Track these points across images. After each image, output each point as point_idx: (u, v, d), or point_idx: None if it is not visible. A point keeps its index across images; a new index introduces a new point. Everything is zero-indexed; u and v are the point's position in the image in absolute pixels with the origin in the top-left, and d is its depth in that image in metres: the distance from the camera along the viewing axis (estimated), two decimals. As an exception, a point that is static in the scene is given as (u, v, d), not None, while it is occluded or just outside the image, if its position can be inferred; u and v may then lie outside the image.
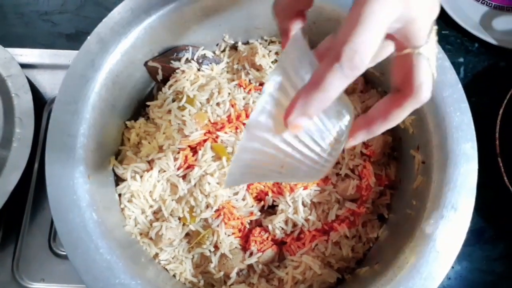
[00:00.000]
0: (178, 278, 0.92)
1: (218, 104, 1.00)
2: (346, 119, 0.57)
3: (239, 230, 0.94)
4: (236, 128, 0.99)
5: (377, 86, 1.02)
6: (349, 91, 1.03)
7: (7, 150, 1.06)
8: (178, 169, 0.95)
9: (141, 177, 0.93)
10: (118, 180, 0.96)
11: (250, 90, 1.02)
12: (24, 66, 1.15)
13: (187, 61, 1.04)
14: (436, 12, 0.52)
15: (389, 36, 0.52)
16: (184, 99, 0.99)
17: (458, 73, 0.87)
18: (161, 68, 1.01)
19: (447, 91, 0.85)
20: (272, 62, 1.06)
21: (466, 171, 0.80)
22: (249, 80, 1.04)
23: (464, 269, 1.09)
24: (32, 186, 1.12)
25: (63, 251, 1.05)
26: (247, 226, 0.94)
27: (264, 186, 0.95)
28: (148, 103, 1.01)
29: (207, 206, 0.93)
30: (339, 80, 0.48)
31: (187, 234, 0.94)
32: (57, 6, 1.32)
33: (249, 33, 1.07)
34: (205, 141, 0.97)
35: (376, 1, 0.46)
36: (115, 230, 0.85)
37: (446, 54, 0.88)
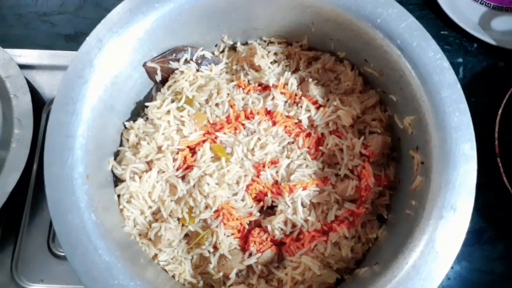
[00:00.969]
0: (177, 279, 0.92)
1: (217, 104, 1.01)
2: None
3: (238, 231, 0.94)
4: (235, 128, 0.99)
5: (376, 86, 1.02)
6: (348, 91, 1.03)
7: (5, 151, 1.06)
8: (177, 169, 0.96)
9: (140, 177, 0.93)
10: (117, 180, 0.96)
11: (249, 90, 1.02)
12: (23, 67, 1.15)
13: (186, 61, 1.04)
14: None
15: None
16: (183, 100, 0.99)
17: (457, 73, 0.87)
18: (160, 69, 1.01)
19: (446, 92, 0.85)
20: (271, 62, 1.06)
21: (465, 172, 0.80)
22: (248, 81, 1.04)
23: (464, 269, 1.09)
24: (31, 187, 1.12)
25: (62, 252, 1.05)
26: (246, 226, 0.94)
27: (263, 187, 0.95)
28: (147, 103, 1.01)
29: (206, 206, 0.93)
30: None
31: (186, 235, 0.94)
32: (56, 7, 1.32)
33: (248, 34, 1.07)
34: (204, 141, 0.98)
35: None
36: (114, 231, 0.85)
37: (445, 54, 0.88)
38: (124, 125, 0.99)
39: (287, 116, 1.00)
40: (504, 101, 1.10)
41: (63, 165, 0.82)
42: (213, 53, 1.09)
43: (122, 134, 0.99)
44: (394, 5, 0.91)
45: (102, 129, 0.90)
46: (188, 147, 0.97)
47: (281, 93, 1.01)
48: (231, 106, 1.00)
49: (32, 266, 1.06)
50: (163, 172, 0.95)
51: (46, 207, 0.80)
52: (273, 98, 1.00)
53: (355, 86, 1.03)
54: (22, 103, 1.10)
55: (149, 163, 0.96)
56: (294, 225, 0.93)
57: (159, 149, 0.96)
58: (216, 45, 1.09)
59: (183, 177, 0.96)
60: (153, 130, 0.97)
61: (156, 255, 0.92)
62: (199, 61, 1.05)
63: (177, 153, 0.96)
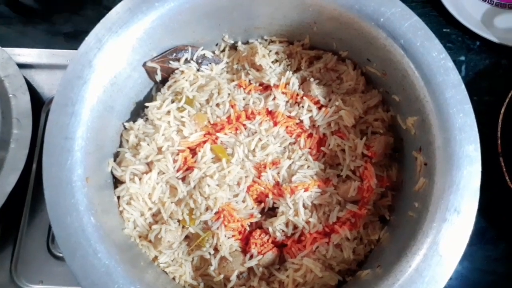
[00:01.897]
0: (178, 281, 0.92)
1: (217, 105, 1.00)
2: None
3: (239, 233, 0.93)
4: (236, 129, 0.98)
5: (379, 86, 1.01)
6: (350, 91, 1.02)
7: (4, 151, 1.05)
8: (178, 171, 0.95)
9: (140, 179, 0.93)
10: (117, 182, 0.95)
11: (250, 90, 1.01)
12: (21, 66, 1.14)
13: (186, 61, 1.03)
14: None
15: None
16: (184, 100, 0.98)
17: (459, 71, 0.87)
18: (160, 69, 1.00)
19: (450, 92, 0.84)
20: (272, 62, 1.05)
21: (469, 174, 0.79)
22: (249, 81, 1.03)
23: (466, 269, 1.08)
24: (30, 187, 1.11)
25: (62, 253, 1.05)
26: (247, 228, 0.94)
27: (265, 188, 0.94)
28: (146, 104, 1.00)
29: (207, 208, 0.92)
30: None
31: (186, 237, 0.94)
32: (55, 5, 1.31)
33: (249, 33, 1.06)
34: (204, 142, 0.97)
35: None
36: (113, 234, 0.84)
37: (447, 52, 0.87)
38: (124, 126, 0.98)
39: (289, 117, 0.99)
40: (507, 100, 1.09)
41: (62, 167, 0.81)
42: (213, 52, 1.08)
43: (121, 135, 0.98)
44: (398, 4, 0.90)
45: (101, 130, 0.89)
46: (188, 148, 0.96)
47: (283, 93, 1.00)
48: (232, 106, 0.99)
49: (32, 267, 1.05)
50: (163, 173, 0.94)
51: (46, 208, 0.80)
52: (274, 98, 0.99)
53: (357, 86, 1.02)
54: (21, 103, 1.09)
55: (149, 164, 0.95)
56: (295, 227, 0.93)
57: (159, 150, 0.95)
58: (216, 45, 1.08)
59: (183, 179, 0.95)
60: (153, 130, 0.96)
61: (156, 257, 0.92)
62: (200, 61, 1.04)
63: (178, 154, 0.95)
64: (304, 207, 0.93)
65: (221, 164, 0.94)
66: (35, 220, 1.09)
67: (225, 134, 0.97)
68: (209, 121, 0.98)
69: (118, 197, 0.93)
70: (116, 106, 0.94)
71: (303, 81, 1.03)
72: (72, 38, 1.27)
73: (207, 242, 0.91)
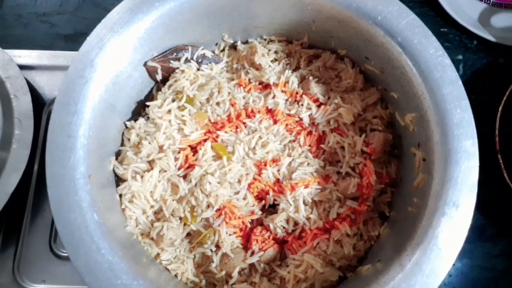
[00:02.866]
0: (180, 278, 0.92)
1: (218, 103, 1.00)
2: None
3: (241, 230, 0.94)
4: (236, 127, 0.98)
5: (377, 84, 1.02)
6: (349, 89, 1.03)
7: (6, 151, 1.05)
8: (179, 169, 0.95)
9: (141, 177, 0.93)
10: (119, 180, 0.96)
11: (250, 89, 1.02)
12: (22, 67, 1.15)
13: (187, 60, 1.04)
14: None
15: None
16: (184, 99, 0.99)
17: (457, 70, 0.87)
18: (161, 68, 1.01)
19: (447, 89, 0.85)
20: (271, 61, 1.06)
21: (467, 168, 0.80)
22: (249, 79, 1.04)
23: (465, 266, 1.09)
24: (32, 188, 1.11)
25: (64, 252, 1.05)
26: (248, 225, 0.94)
27: (265, 185, 0.95)
28: (148, 103, 1.00)
29: (208, 205, 0.93)
30: None
31: (188, 234, 0.94)
32: (55, 7, 1.32)
33: (249, 32, 1.07)
34: (205, 140, 0.97)
35: None
36: (116, 231, 0.85)
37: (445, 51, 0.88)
38: (125, 125, 0.99)
39: (288, 115, 1.00)
40: (505, 98, 1.10)
41: (65, 165, 0.82)
42: (213, 52, 1.09)
43: (123, 133, 0.99)
44: (395, 2, 0.91)
45: (103, 129, 0.90)
46: (189, 146, 0.97)
47: (282, 91, 1.01)
48: (232, 105, 1.00)
49: (34, 267, 1.06)
50: (165, 171, 0.95)
51: (48, 208, 0.81)
52: (274, 97, 1.00)
53: (356, 83, 1.03)
54: (22, 104, 1.10)
55: (151, 163, 0.96)
56: (296, 223, 0.93)
57: (161, 149, 0.96)
58: (216, 44, 1.09)
59: (184, 176, 0.96)
60: (154, 129, 0.97)
61: (158, 254, 0.92)
62: (200, 60, 1.05)
63: (179, 152, 0.96)
64: (305, 203, 0.93)
65: (222, 162, 0.95)
66: (37, 220, 1.09)
67: (226, 132, 0.98)
68: (209, 120, 0.99)
69: (120, 195, 0.94)
70: (117, 105, 0.95)
71: (302, 80, 1.04)
72: (72, 40, 1.28)
73: (209, 239, 0.92)
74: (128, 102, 1.00)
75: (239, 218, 0.93)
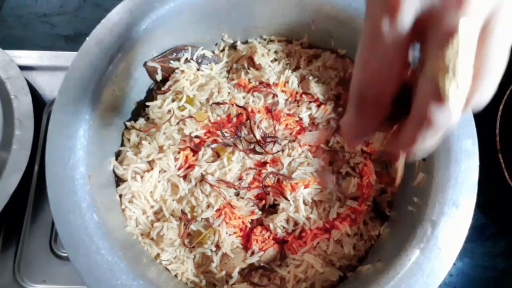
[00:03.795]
0: (180, 278, 0.92)
1: (218, 103, 1.00)
2: None
3: (241, 230, 0.94)
4: (236, 127, 0.98)
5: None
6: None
7: (7, 152, 1.06)
8: (179, 169, 0.95)
9: (141, 177, 0.93)
10: (119, 180, 0.96)
11: (250, 89, 1.02)
12: (23, 68, 1.15)
13: (187, 61, 1.04)
14: None
15: None
16: (184, 99, 0.99)
17: (457, 70, 0.87)
18: (161, 68, 1.01)
19: (447, 88, 0.84)
20: (271, 61, 1.06)
21: (467, 168, 0.80)
22: (249, 79, 1.03)
23: (466, 266, 1.09)
24: (33, 188, 1.12)
25: (64, 253, 1.05)
26: (248, 225, 0.94)
27: (265, 185, 0.94)
28: (147, 103, 1.01)
29: (208, 205, 0.93)
30: None
31: (188, 234, 0.94)
32: (55, 8, 1.32)
33: (248, 33, 1.07)
34: (205, 140, 0.97)
35: None
36: (116, 231, 0.85)
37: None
38: (125, 125, 0.99)
39: (288, 114, 1.00)
40: (505, 97, 1.10)
41: (64, 165, 0.82)
42: (213, 52, 1.09)
43: (123, 134, 0.99)
44: (394, 2, 0.91)
45: (103, 130, 0.90)
46: (189, 146, 0.97)
47: (282, 91, 1.01)
48: (232, 105, 1.00)
49: (34, 267, 1.06)
50: (165, 171, 0.95)
51: (48, 208, 0.80)
52: (273, 96, 1.00)
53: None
54: (23, 104, 1.10)
55: (151, 163, 0.96)
56: (296, 223, 0.93)
57: (161, 149, 0.96)
58: (216, 44, 1.09)
59: (184, 176, 0.95)
60: (154, 129, 0.97)
61: (158, 254, 0.92)
62: (200, 60, 1.05)
63: (179, 153, 0.96)
64: (305, 203, 0.93)
65: (222, 162, 0.94)
66: (37, 221, 1.09)
67: (226, 132, 0.98)
68: (209, 120, 0.99)
69: (120, 195, 0.94)
70: (117, 106, 0.95)
71: (302, 79, 1.04)
72: (73, 40, 1.28)
73: (209, 239, 0.92)
74: (128, 102, 1.00)
75: (239, 218, 0.93)
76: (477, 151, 0.81)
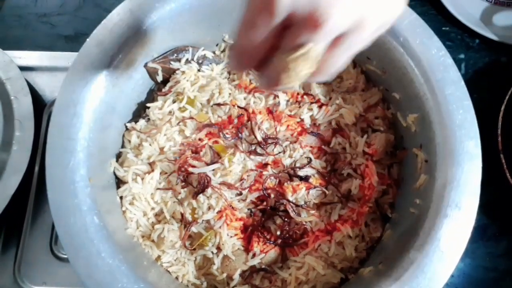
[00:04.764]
0: (181, 280, 0.92)
1: (218, 104, 1.00)
2: None
3: (242, 231, 0.93)
4: (237, 128, 0.98)
5: (378, 84, 1.01)
6: (351, 89, 1.03)
7: (7, 153, 1.05)
8: (179, 171, 0.95)
9: (142, 179, 0.93)
10: (119, 182, 0.95)
11: (250, 90, 1.01)
12: (23, 68, 1.15)
13: (187, 61, 1.03)
14: None
15: None
16: (185, 100, 0.98)
17: (459, 69, 0.87)
18: (161, 69, 1.01)
19: (449, 89, 0.84)
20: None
21: (470, 170, 0.80)
22: (250, 80, 1.03)
23: (468, 266, 1.08)
24: (33, 189, 1.11)
25: (65, 254, 1.05)
26: (250, 227, 0.93)
27: (266, 187, 0.94)
28: (148, 104, 1.00)
29: (209, 207, 0.92)
30: None
31: (189, 236, 0.94)
32: (55, 8, 1.32)
33: (249, 33, 1.07)
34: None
35: None
36: (116, 234, 0.85)
37: (446, 50, 0.87)
38: (126, 127, 0.99)
39: (289, 115, 1.00)
40: (507, 97, 1.09)
41: (64, 168, 0.82)
42: (214, 52, 1.08)
43: (123, 135, 0.99)
44: (396, 2, 0.90)
45: (103, 131, 0.90)
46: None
47: (283, 92, 1.00)
48: (233, 106, 0.99)
49: (35, 269, 1.05)
50: (166, 173, 0.94)
51: (48, 209, 0.80)
52: (275, 97, 1.00)
53: (358, 84, 1.03)
54: (23, 105, 1.09)
55: (151, 165, 0.95)
56: (297, 225, 0.93)
57: (161, 150, 0.96)
58: (217, 45, 1.08)
59: (185, 179, 0.95)
60: (155, 131, 0.97)
61: (159, 256, 0.92)
62: (200, 61, 1.04)
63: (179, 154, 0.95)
64: (306, 205, 0.93)
65: (223, 163, 0.94)
66: (38, 222, 1.09)
67: (227, 133, 0.97)
68: (210, 121, 0.98)
69: (121, 197, 0.94)
70: (117, 107, 0.94)
71: (304, 80, 1.03)
72: (73, 40, 1.27)
73: (210, 241, 0.91)
74: (128, 103, 0.99)
75: (240, 220, 0.92)
76: (480, 152, 0.81)
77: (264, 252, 0.91)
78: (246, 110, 0.98)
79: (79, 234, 0.78)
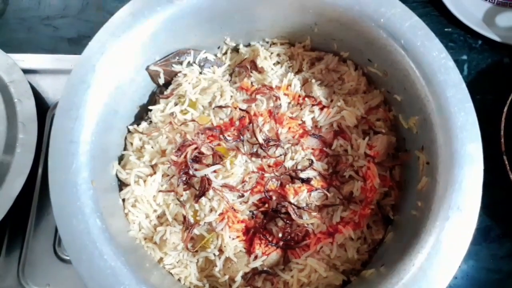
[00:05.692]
0: (183, 282, 0.92)
1: (220, 107, 1.00)
2: None
3: (244, 234, 0.93)
4: (239, 130, 0.98)
5: (380, 86, 1.01)
6: (352, 91, 1.03)
7: (10, 155, 1.06)
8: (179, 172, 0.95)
9: (144, 181, 0.93)
10: (122, 185, 0.96)
11: (252, 92, 1.02)
12: (26, 71, 1.15)
13: (189, 64, 1.04)
14: None
15: None
16: (187, 103, 0.98)
17: (461, 70, 0.87)
18: (163, 72, 1.01)
19: (451, 91, 0.84)
20: (274, 64, 1.06)
21: (471, 172, 0.80)
22: (251, 83, 1.03)
23: (471, 268, 1.08)
24: (37, 191, 1.12)
25: (68, 256, 1.05)
26: (252, 229, 0.94)
27: (268, 189, 0.94)
28: (150, 107, 1.00)
29: (211, 209, 0.92)
30: None
31: (191, 238, 0.94)
32: (58, 11, 1.32)
33: (251, 35, 1.07)
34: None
35: None
36: (119, 236, 0.85)
37: (449, 52, 0.87)
38: (128, 129, 0.99)
39: (291, 118, 1.00)
40: (510, 98, 1.09)
41: (67, 171, 0.82)
42: (215, 55, 1.08)
43: (126, 138, 0.99)
44: (397, 4, 0.91)
45: (106, 134, 0.90)
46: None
47: (285, 94, 1.01)
48: (235, 108, 1.00)
49: (39, 270, 1.06)
50: (168, 175, 0.95)
51: (52, 211, 0.80)
52: (276, 100, 1.00)
53: (359, 86, 1.03)
54: (26, 108, 1.10)
55: (154, 167, 0.96)
56: (299, 227, 0.93)
57: (163, 153, 0.96)
58: (218, 47, 1.08)
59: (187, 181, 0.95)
60: (157, 133, 0.97)
61: (161, 258, 0.92)
62: (202, 64, 1.05)
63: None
64: (308, 207, 0.93)
65: (225, 166, 0.94)
66: (41, 224, 1.09)
67: (228, 136, 0.97)
68: (212, 123, 0.99)
69: (123, 200, 0.94)
70: (120, 110, 0.95)
71: (305, 83, 1.03)
72: (76, 43, 1.28)
73: (212, 243, 0.92)
74: (130, 106, 1.00)
75: (242, 222, 0.93)
76: (481, 155, 0.81)
77: (266, 254, 0.91)
78: (247, 112, 0.98)
79: (81, 236, 0.79)
